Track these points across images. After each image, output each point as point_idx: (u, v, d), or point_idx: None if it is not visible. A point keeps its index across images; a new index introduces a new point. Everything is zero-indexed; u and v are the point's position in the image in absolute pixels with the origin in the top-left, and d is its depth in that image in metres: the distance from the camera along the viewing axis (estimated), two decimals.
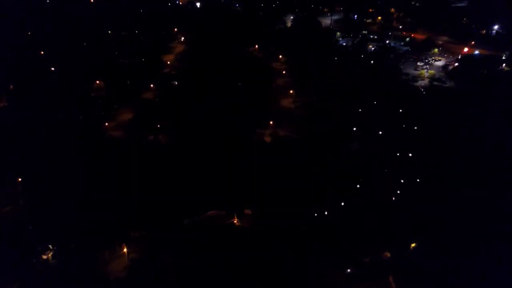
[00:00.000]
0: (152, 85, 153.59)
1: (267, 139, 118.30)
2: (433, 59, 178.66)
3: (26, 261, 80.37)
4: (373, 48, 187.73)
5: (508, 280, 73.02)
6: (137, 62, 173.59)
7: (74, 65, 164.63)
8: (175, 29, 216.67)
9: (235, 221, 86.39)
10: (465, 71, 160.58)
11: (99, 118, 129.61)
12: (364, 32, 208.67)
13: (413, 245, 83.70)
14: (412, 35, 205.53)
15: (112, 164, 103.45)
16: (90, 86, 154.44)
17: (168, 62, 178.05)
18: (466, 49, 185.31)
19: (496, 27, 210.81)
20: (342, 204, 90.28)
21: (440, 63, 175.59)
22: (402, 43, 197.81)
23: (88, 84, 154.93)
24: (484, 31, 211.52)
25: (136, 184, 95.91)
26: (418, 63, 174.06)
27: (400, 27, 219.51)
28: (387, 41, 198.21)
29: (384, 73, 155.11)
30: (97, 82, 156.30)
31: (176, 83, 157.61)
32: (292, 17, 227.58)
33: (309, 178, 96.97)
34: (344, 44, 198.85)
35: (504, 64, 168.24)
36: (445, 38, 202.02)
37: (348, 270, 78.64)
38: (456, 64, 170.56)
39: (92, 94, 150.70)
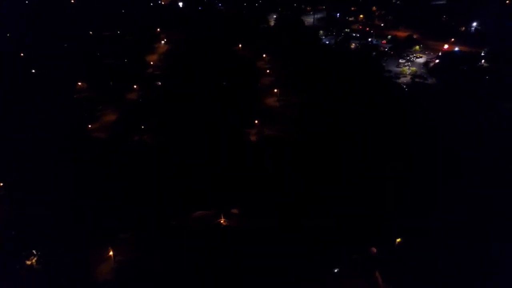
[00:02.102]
0: (135, 86, 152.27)
1: (253, 138, 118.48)
2: (414, 56, 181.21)
3: (8, 267, 79.06)
4: (355, 46, 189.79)
5: (494, 272, 74.73)
6: (121, 63, 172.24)
7: (56, 66, 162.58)
8: (158, 29, 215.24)
9: (222, 221, 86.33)
10: (446, 67, 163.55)
11: (83, 120, 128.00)
12: (346, 30, 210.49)
13: (398, 240, 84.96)
14: (394, 32, 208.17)
15: (97, 166, 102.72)
16: (73, 88, 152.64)
17: (152, 63, 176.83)
18: (446, 46, 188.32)
19: (475, 24, 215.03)
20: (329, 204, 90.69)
21: (421, 60, 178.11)
22: (384, 40, 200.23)
23: (70, 86, 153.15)
24: (464, 28, 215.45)
25: (122, 186, 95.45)
26: (400, 60, 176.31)
27: (382, 25, 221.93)
28: (369, 39, 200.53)
29: (367, 71, 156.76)
30: (80, 83, 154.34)
31: (160, 83, 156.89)
32: (275, 16, 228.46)
33: (296, 178, 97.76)
34: (327, 42, 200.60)
35: (483, 60, 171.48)
36: (425, 35, 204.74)
37: (336, 270, 79.14)
38: (437, 60, 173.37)
39: (75, 96, 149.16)
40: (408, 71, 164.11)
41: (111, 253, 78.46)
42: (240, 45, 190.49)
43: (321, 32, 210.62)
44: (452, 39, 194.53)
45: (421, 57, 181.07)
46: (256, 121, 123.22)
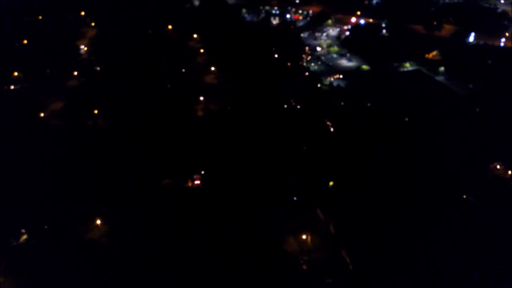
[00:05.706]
0: (75, 72, 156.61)
1: (200, 113, 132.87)
2: (328, 30, 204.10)
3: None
4: (276, 23, 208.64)
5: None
6: (51, 49, 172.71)
7: None
8: (82, 13, 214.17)
9: (189, 185, 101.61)
10: (354, 39, 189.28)
11: (31, 109, 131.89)
12: (266, 8, 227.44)
13: (331, 183, 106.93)
14: (308, 8, 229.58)
15: (61, 150, 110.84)
16: (8, 78, 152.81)
17: (85, 48, 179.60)
18: (353, 19, 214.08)
19: None
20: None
21: (334, 33, 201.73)
22: (301, 16, 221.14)
23: (4, 76, 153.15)
24: (367, 1, 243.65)
25: (89, 165, 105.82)
26: (317, 34, 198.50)
27: (297, 1, 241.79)
28: (287, 15, 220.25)
29: (288, 45, 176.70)
30: (15, 73, 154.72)
31: (99, 68, 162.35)
32: None
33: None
34: (250, 20, 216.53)
35: (384, 31, 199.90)
36: (335, 9, 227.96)
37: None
38: (347, 33, 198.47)
39: (12, 87, 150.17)
40: (325, 44, 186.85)
41: (98, 222, 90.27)
42: (170, 26, 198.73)
43: (244, 10, 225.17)
44: (358, 12, 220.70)
45: (333, 30, 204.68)
46: (201, 98, 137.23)
